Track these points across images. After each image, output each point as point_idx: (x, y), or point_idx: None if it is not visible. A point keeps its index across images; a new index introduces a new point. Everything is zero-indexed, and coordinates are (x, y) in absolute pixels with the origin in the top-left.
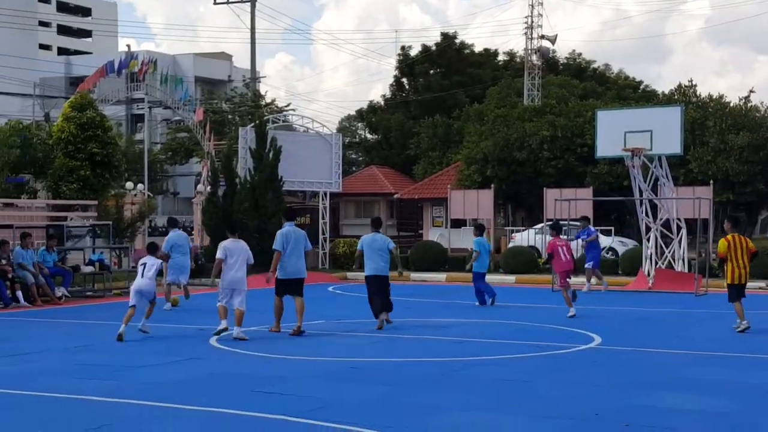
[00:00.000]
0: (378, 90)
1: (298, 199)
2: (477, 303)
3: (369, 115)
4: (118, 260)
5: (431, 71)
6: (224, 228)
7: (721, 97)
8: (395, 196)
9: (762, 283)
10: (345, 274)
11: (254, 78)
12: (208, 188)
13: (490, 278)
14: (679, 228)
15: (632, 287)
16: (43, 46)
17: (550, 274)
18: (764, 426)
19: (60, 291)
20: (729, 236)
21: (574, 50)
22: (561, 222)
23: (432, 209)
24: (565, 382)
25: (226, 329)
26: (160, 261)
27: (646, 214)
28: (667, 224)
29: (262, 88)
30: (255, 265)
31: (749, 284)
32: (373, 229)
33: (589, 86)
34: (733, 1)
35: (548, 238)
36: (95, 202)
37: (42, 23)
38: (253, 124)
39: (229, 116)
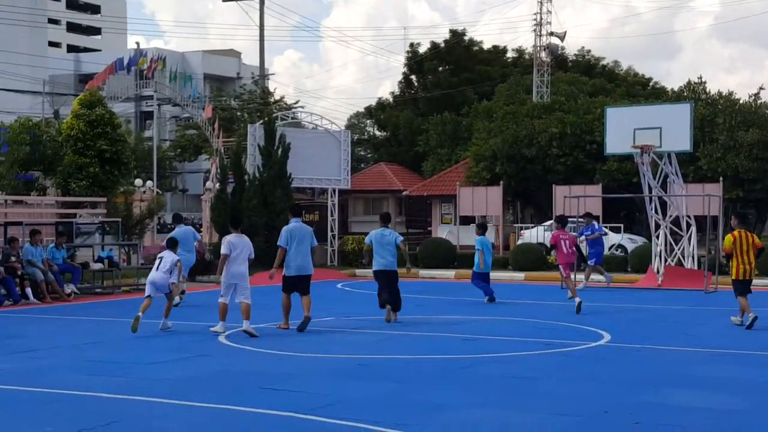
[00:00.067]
0: (387, 87)
1: (306, 196)
2: (486, 299)
3: (378, 112)
4: (127, 257)
5: (440, 68)
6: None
7: (730, 94)
8: (404, 193)
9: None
10: (354, 271)
11: (263, 75)
12: (217, 185)
13: (499, 275)
14: (688, 225)
15: (642, 285)
16: (52, 44)
17: (558, 270)
18: None
19: (69, 288)
20: (735, 232)
21: (583, 47)
22: (570, 218)
23: (441, 206)
24: (574, 379)
25: (223, 332)
26: (177, 258)
27: (656, 212)
28: (676, 221)
29: (271, 85)
30: (263, 262)
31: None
32: (382, 224)
33: (598, 83)
34: None
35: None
36: (104, 199)
37: (51, 21)
38: (261, 122)
39: (238, 113)
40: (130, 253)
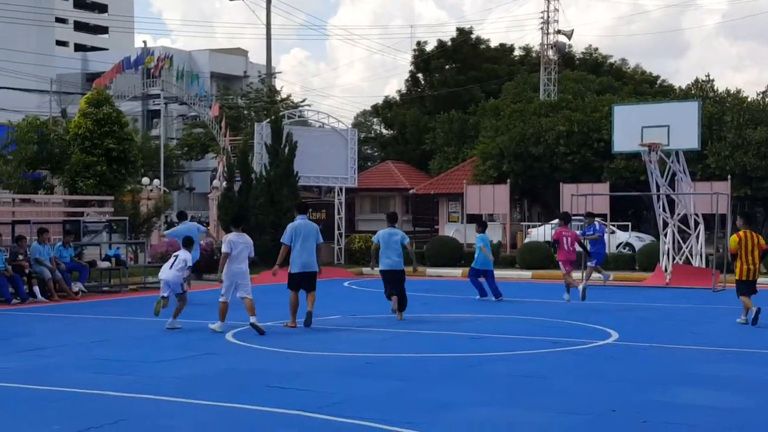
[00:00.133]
0: (393, 85)
1: (313, 195)
2: (494, 297)
3: (384, 110)
4: (135, 256)
5: (447, 66)
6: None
7: (738, 91)
8: (411, 191)
9: None
10: (360, 270)
11: (270, 73)
12: (224, 183)
13: (506, 273)
14: (696, 223)
15: (649, 283)
16: (60, 43)
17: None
18: None
19: (76, 286)
20: (741, 232)
21: (590, 45)
22: (575, 216)
23: (448, 204)
24: (582, 377)
25: (258, 328)
26: (191, 257)
27: (664, 210)
28: (684, 219)
29: (278, 84)
30: (270, 260)
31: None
32: (389, 224)
33: (606, 81)
34: None
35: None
36: (111, 198)
37: (59, 20)
38: (268, 120)
39: (245, 112)
40: (137, 251)
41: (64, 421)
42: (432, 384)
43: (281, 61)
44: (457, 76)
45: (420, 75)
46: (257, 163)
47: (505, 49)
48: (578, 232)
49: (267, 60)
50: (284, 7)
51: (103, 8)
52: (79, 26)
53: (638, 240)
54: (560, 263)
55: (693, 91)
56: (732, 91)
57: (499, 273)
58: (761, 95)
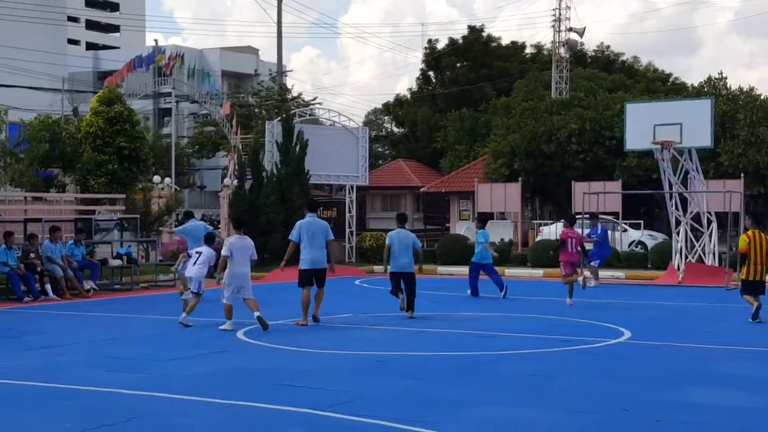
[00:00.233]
0: (404, 83)
1: (324, 193)
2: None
3: (395, 108)
4: (146, 254)
5: (458, 64)
6: (251, 221)
7: (751, 89)
8: (422, 189)
9: None
10: (371, 268)
11: (281, 72)
12: (235, 182)
13: (517, 272)
14: (709, 221)
15: (662, 281)
16: (71, 41)
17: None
18: None
19: (88, 284)
20: (749, 232)
21: (602, 43)
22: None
23: (459, 203)
24: (594, 376)
25: (263, 323)
26: (214, 254)
27: (676, 208)
28: (697, 218)
29: (289, 82)
30: (281, 259)
31: None
32: (398, 224)
33: (618, 79)
34: None
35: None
36: (123, 196)
37: (70, 18)
38: (279, 118)
39: (256, 110)
40: (148, 249)
41: (75, 419)
42: (444, 382)
43: (292, 59)
44: (469, 74)
45: (431, 73)
46: (268, 162)
47: (517, 47)
48: (586, 232)
49: (278, 58)
50: (295, 5)
51: (114, 7)
52: (91, 25)
53: (651, 238)
54: (561, 264)
55: (705, 89)
56: (745, 89)
57: (510, 271)
58: None
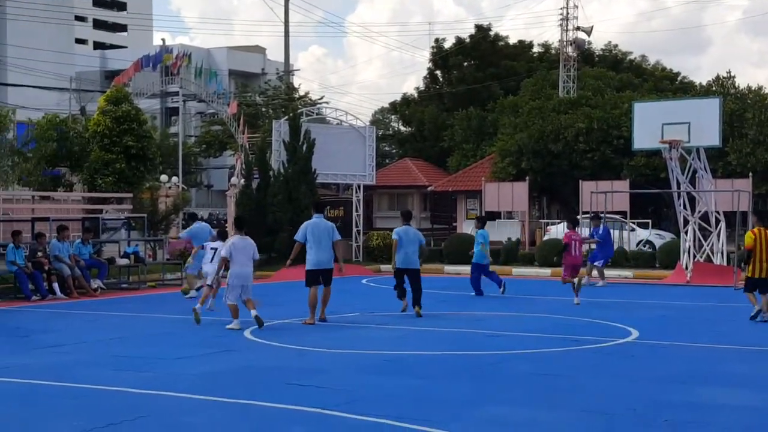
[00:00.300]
0: (411, 82)
1: (331, 192)
2: (500, 288)
3: (402, 107)
4: (153, 253)
5: (465, 63)
6: (258, 220)
7: (760, 88)
8: (429, 188)
9: None
10: (378, 267)
11: (288, 71)
12: (242, 181)
13: (525, 271)
14: (717, 221)
15: (670, 281)
16: (79, 41)
17: (583, 267)
18: None
19: (96, 283)
20: (755, 229)
21: (610, 42)
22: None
23: (466, 202)
24: (602, 376)
25: (260, 321)
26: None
27: (684, 207)
28: (705, 217)
29: (296, 81)
30: (288, 258)
31: None
32: (404, 221)
33: (626, 78)
34: None
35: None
36: (130, 195)
37: (78, 18)
38: (286, 117)
39: (263, 109)
40: (155, 248)
41: (83, 418)
42: (450, 382)
43: (299, 58)
44: (476, 73)
45: (438, 72)
46: (275, 161)
47: (524, 46)
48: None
49: (285, 57)
50: (302, 4)
51: (122, 6)
52: (98, 24)
53: (658, 238)
54: (563, 266)
55: (714, 88)
56: (753, 88)
57: (517, 270)
58: None
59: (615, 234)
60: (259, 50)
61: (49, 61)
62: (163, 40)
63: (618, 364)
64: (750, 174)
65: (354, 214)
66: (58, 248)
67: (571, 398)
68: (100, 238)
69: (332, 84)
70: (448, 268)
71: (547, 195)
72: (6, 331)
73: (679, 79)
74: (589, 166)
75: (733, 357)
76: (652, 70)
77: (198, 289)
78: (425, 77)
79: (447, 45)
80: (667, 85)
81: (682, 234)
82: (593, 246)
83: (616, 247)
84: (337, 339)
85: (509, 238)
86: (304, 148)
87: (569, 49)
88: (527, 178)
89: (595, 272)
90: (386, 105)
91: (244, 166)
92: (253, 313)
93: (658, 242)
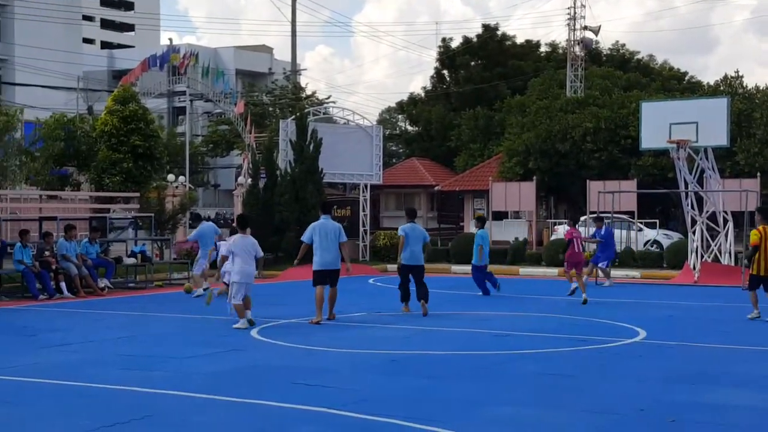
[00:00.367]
0: (418, 82)
1: (338, 192)
2: (481, 293)
3: (409, 107)
4: (160, 252)
5: (472, 63)
6: (265, 220)
7: (767, 88)
8: (436, 188)
9: None
10: (385, 266)
11: (295, 70)
12: (249, 180)
13: (532, 271)
14: (725, 221)
15: (677, 281)
16: (86, 40)
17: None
18: None
19: (103, 282)
20: (760, 227)
21: (617, 41)
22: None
23: (473, 201)
24: (609, 376)
25: (252, 322)
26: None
27: (692, 207)
28: (713, 217)
29: (303, 81)
30: (295, 257)
31: None
32: (408, 219)
33: (633, 77)
34: None
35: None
36: (137, 194)
37: (85, 17)
38: (293, 117)
39: (270, 109)
40: (162, 247)
41: (91, 417)
42: (457, 382)
43: (306, 57)
44: (483, 72)
45: (445, 71)
46: (282, 160)
47: (531, 46)
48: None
49: (292, 57)
50: (309, 3)
51: (129, 6)
52: (106, 24)
53: (666, 237)
54: (565, 263)
55: (722, 88)
56: (761, 88)
57: (525, 270)
58: None
59: (622, 234)
60: (266, 50)
61: (56, 60)
62: (171, 39)
63: (625, 365)
64: (758, 174)
65: (361, 213)
66: (65, 247)
67: (578, 398)
68: (107, 237)
69: (339, 83)
70: (455, 267)
71: (554, 195)
72: (13, 330)
73: (686, 78)
74: (596, 166)
75: (740, 357)
76: (660, 70)
77: (206, 290)
78: (432, 77)
79: (454, 44)
80: (674, 84)
81: (689, 234)
82: (594, 247)
83: (623, 247)
84: (344, 338)
85: (516, 238)
86: (311, 147)
87: (577, 49)
88: (534, 177)
89: (600, 273)
90: (393, 104)
91: (251, 165)
92: (248, 314)
93: (665, 242)
